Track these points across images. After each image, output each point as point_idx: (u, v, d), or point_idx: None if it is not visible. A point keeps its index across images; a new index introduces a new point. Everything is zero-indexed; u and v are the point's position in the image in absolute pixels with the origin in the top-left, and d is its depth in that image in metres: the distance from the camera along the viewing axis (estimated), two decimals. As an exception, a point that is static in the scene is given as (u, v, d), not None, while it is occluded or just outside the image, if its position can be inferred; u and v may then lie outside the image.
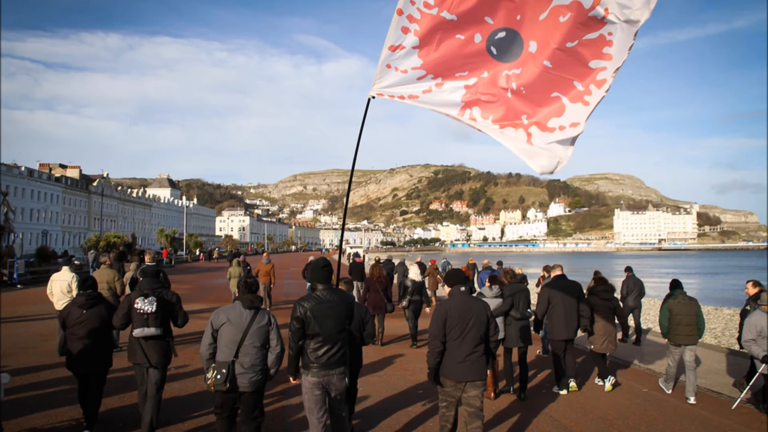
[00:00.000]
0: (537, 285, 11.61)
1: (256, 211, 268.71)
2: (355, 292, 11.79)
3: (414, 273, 12.00)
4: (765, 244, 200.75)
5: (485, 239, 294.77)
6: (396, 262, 21.05)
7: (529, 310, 7.62)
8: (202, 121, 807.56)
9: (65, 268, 9.32)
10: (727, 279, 49.25)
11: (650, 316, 16.36)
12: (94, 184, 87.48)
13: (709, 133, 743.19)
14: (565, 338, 7.58)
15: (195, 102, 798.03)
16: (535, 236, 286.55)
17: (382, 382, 8.02)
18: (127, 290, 9.45)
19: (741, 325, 7.45)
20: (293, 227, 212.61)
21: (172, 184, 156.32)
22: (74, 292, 8.70)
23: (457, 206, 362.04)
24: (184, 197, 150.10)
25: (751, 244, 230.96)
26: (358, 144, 5.19)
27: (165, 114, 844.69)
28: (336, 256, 8.30)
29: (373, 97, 5.01)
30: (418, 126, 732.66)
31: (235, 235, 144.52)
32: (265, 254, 19.23)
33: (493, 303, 7.06)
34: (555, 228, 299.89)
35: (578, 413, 6.71)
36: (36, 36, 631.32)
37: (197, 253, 67.57)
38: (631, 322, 12.27)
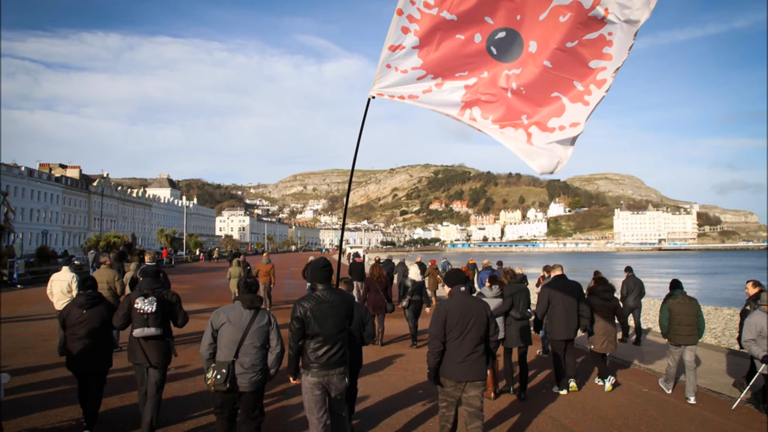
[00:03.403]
0: (537, 285, 11.61)
1: (256, 211, 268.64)
2: (355, 292, 11.79)
3: (414, 273, 11.99)
4: (765, 244, 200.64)
5: (485, 239, 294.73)
6: (396, 262, 21.03)
7: (529, 310, 7.62)
8: (202, 121, 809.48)
9: (65, 268, 9.31)
10: (727, 279, 49.22)
11: (650, 316, 16.35)
12: (94, 184, 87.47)
13: (709, 133, 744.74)
14: (565, 338, 7.58)
15: (195, 102, 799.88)
16: (535, 236, 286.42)
17: (382, 382, 8.02)
18: (127, 290, 9.45)
19: (741, 325, 7.45)
20: (293, 227, 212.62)
21: (172, 184, 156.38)
22: (74, 292, 8.71)
23: (457, 206, 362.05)
24: (184, 197, 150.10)
25: (751, 244, 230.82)
26: (358, 144, 5.19)
27: (165, 114, 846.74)
28: (336, 256, 8.29)
29: (373, 97, 5.01)
30: (418, 126, 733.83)
31: (235, 235, 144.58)
32: (265, 254, 19.23)
33: (493, 303, 7.06)
34: (555, 228, 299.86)
35: (578, 413, 6.71)
36: (36, 36, 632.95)
37: (197, 253, 67.55)
38: (631, 322, 12.27)
